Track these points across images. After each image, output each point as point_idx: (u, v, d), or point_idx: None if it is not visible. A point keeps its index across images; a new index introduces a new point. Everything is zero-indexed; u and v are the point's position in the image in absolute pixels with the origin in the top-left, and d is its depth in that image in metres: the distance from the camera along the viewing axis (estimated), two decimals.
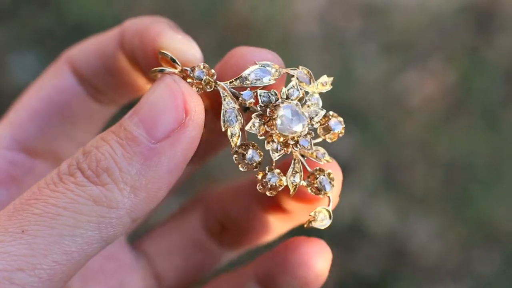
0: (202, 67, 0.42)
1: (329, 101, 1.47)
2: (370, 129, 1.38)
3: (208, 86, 0.42)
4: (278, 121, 0.41)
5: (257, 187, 0.43)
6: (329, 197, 0.44)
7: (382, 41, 1.48)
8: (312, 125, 0.43)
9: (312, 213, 0.44)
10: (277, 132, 0.42)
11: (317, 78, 0.44)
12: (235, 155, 0.42)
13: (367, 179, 1.34)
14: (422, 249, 1.28)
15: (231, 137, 0.42)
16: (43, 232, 0.36)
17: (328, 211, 0.44)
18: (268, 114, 0.42)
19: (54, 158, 0.49)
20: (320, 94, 0.44)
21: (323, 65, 1.41)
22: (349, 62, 1.44)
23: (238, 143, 0.42)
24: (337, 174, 0.45)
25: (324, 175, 0.43)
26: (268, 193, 0.43)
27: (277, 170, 0.43)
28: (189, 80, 0.42)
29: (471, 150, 1.37)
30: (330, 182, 0.44)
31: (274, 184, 0.43)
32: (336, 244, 1.27)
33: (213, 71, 0.42)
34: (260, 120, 0.42)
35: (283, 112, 0.41)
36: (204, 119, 0.41)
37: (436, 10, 1.50)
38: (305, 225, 0.44)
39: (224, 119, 0.42)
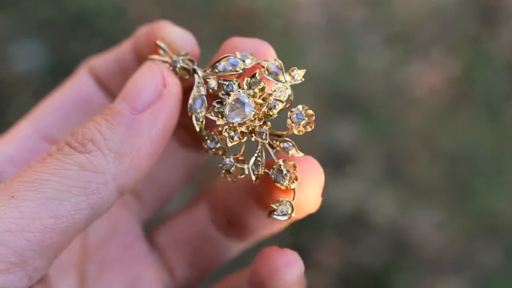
0: (183, 54, 0.45)
1: (332, 91, 1.48)
2: (373, 119, 1.38)
3: (185, 74, 0.45)
4: (226, 108, 0.43)
5: (220, 173, 0.44)
6: (293, 190, 0.44)
7: (385, 31, 1.48)
8: (271, 115, 0.43)
9: (274, 204, 0.44)
10: (229, 121, 0.43)
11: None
12: (203, 142, 0.45)
13: (370, 169, 1.34)
14: (424, 241, 1.28)
15: (196, 122, 0.44)
16: (31, 196, 0.38)
17: (291, 204, 0.44)
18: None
19: None
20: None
21: (326, 55, 1.41)
22: (352, 52, 1.44)
23: (204, 132, 0.44)
24: (315, 171, 0.45)
25: (281, 167, 0.43)
26: (228, 179, 0.44)
27: (241, 158, 0.44)
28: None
29: (473, 142, 1.36)
30: (285, 175, 0.43)
31: (227, 169, 0.44)
32: (338, 234, 1.27)
33: (192, 59, 0.46)
34: (218, 108, 0.44)
35: (229, 100, 0.43)
36: (181, 92, 0.44)
37: (439, 1, 1.50)
38: (267, 216, 0.44)
39: (190, 104, 0.44)
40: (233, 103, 0.43)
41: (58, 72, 1.43)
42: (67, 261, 0.49)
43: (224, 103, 0.43)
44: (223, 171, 0.44)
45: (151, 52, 0.47)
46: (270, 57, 0.44)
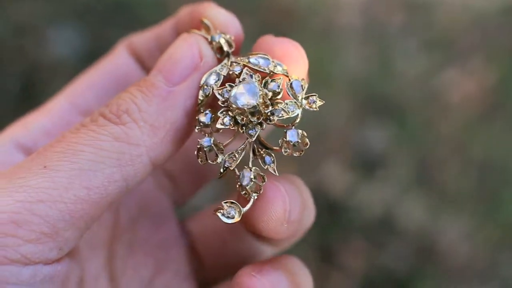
0: (224, 35, 0.45)
1: (367, 93, 1.47)
2: (406, 124, 1.37)
3: (219, 52, 0.44)
4: (234, 89, 0.42)
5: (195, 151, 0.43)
6: (251, 200, 0.42)
7: (423, 37, 1.47)
8: (270, 120, 0.42)
9: (224, 203, 0.43)
10: (230, 102, 0.42)
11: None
12: (196, 114, 0.43)
13: (400, 174, 1.33)
14: (450, 249, 1.28)
15: (201, 94, 0.43)
16: (64, 166, 0.37)
17: (240, 212, 0.42)
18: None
19: None
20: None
21: (363, 57, 1.40)
22: (389, 56, 1.43)
23: (203, 104, 0.43)
24: (281, 200, 0.43)
25: (249, 173, 0.42)
26: (199, 159, 0.43)
27: (221, 146, 0.43)
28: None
29: (506, 153, 1.35)
30: (250, 180, 0.42)
31: (202, 148, 0.42)
32: (365, 237, 1.27)
33: (231, 43, 0.45)
34: (228, 91, 0.43)
35: (241, 83, 0.42)
36: (216, 64, 0.43)
37: (479, 10, 1.49)
38: (212, 211, 0.44)
39: (205, 77, 0.43)
40: (243, 85, 0.42)
41: (95, 58, 1.43)
42: (98, 238, 0.48)
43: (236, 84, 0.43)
44: (198, 148, 0.43)
45: (194, 29, 0.46)
46: (299, 59, 0.43)
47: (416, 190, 1.32)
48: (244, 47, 0.47)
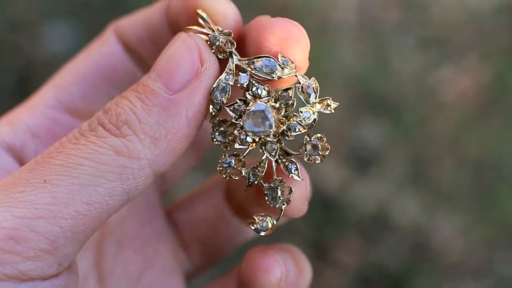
0: (226, 33, 0.42)
1: (362, 90, 1.47)
2: (401, 121, 1.37)
3: (220, 53, 0.42)
4: (246, 115, 0.41)
5: (217, 167, 0.43)
6: (281, 210, 0.43)
7: (419, 34, 1.47)
8: (288, 136, 0.42)
9: (256, 217, 0.43)
10: (246, 129, 0.41)
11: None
12: (212, 128, 0.43)
13: (395, 171, 1.33)
14: (445, 245, 1.28)
15: (212, 108, 0.42)
16: (65, 181, 0.37)
17: (273, 224, 0.43)
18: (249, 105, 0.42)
19: None
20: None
21: (358, 54, 1.40)
22: (385, 53, 1.43)
23: (217, 119, 0.42)
24: (300, 196, 0.44)
25: (277, 188, 0.42)
26: (223, 175, 0.43)
27: (242, 159, 0.42)
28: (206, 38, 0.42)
29: (501, 150, 1.36)
30: (278, 197, 0.42)
31: (224, 168, 0.42)
32: (359, 234, 1.27)
33: (233, 41, 0.42)
34: (239, 106, 0.42)
35: (253, 108, 0.41)
36: (218, 69, 0.41)
37: (475, 8, 1.49)
38: (246, 223, 0.44)
39: (213, 88, 0.42)
40: (255, 113, 0.41)
41: None
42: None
43: (247, 108, 0.41)
44: (220, 168, 0.42)
45: (188, 19, 0.44)
46: (302, 40, 0.41)
47: (410, 187, 1.32)
48: None
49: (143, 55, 0.48)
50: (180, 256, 0.53)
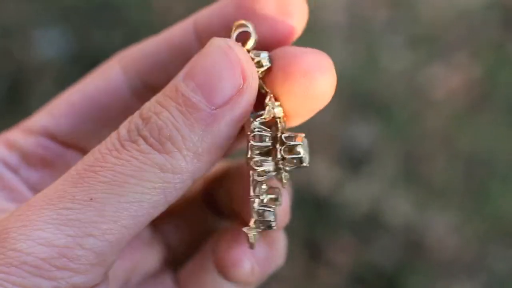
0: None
1: (352, 89, 1.47)
2: (392, 120, 1.37)
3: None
4: (301, 150, 0.41)
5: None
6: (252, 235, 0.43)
7: (408, 32, 1.47)
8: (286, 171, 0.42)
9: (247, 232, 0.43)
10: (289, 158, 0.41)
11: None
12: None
13: (387, 170, 1.34)
14: (438, 243, 1.28)
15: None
16: (111, 199, 0.37)
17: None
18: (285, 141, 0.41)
19: (85, 152, 0.49)
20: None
21: (348, 54, 1.41)
22: (374, 52, 1.44)
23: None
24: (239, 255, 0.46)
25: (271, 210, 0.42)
26: (258, 179, 0.42)
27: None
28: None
29: (493, 146, 1.36)
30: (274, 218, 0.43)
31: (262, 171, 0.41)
32: (352, 233, 1.27)
33: (271, 60, 0.41)
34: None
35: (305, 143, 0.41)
36: (258, 83, 0.40)
37: (464, 5, 1.49)
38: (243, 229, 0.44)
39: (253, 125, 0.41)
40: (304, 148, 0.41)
41: (80, 60, 1.43)
42: None
43: (289, 144, 0.41)
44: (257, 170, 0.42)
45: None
46: (328, 72, 0.41)
47: (403, 185, 1.33)
48: None
49: (151, 82, 0.48)
50: (162, 254, 0.53)
